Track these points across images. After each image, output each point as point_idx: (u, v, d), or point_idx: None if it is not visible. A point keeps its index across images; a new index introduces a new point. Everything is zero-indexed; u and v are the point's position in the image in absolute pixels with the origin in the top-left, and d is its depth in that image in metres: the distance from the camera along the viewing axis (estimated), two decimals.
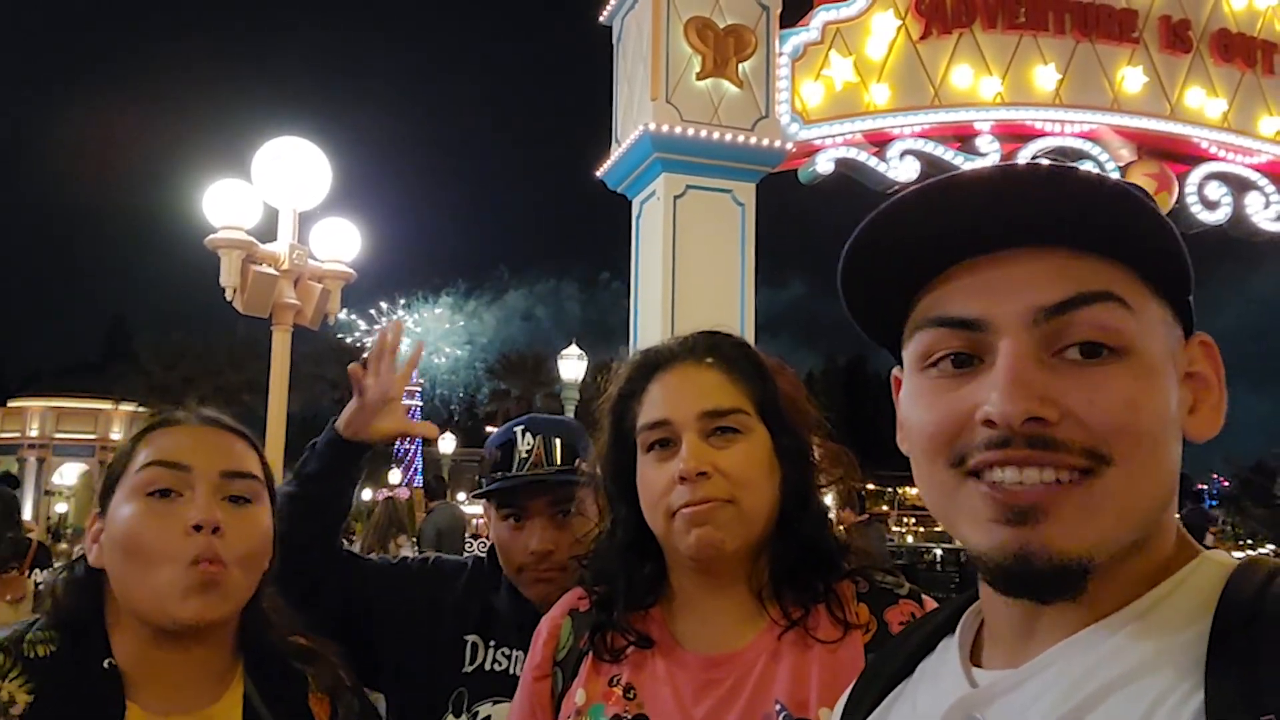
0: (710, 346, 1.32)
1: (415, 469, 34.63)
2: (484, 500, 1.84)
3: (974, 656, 0.75)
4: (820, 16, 7.21)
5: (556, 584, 1.69)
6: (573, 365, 16.03)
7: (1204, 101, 7.98)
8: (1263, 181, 8.10)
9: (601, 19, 7.63)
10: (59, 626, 1.18)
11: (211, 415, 1.27)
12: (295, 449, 2.13)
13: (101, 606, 1.19)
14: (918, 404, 0.71)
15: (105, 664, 1.14)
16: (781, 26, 7.07)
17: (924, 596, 1.27)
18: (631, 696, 1.25)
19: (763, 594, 1.25)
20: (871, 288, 0.74)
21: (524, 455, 1.78)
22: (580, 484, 1.74)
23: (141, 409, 29.22)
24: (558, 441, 1.80)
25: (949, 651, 0.76)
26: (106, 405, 34.16)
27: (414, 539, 8.53)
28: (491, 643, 1.77)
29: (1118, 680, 0.62)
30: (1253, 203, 8.07)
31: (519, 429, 1.84)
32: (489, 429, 22.05)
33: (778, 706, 1.17)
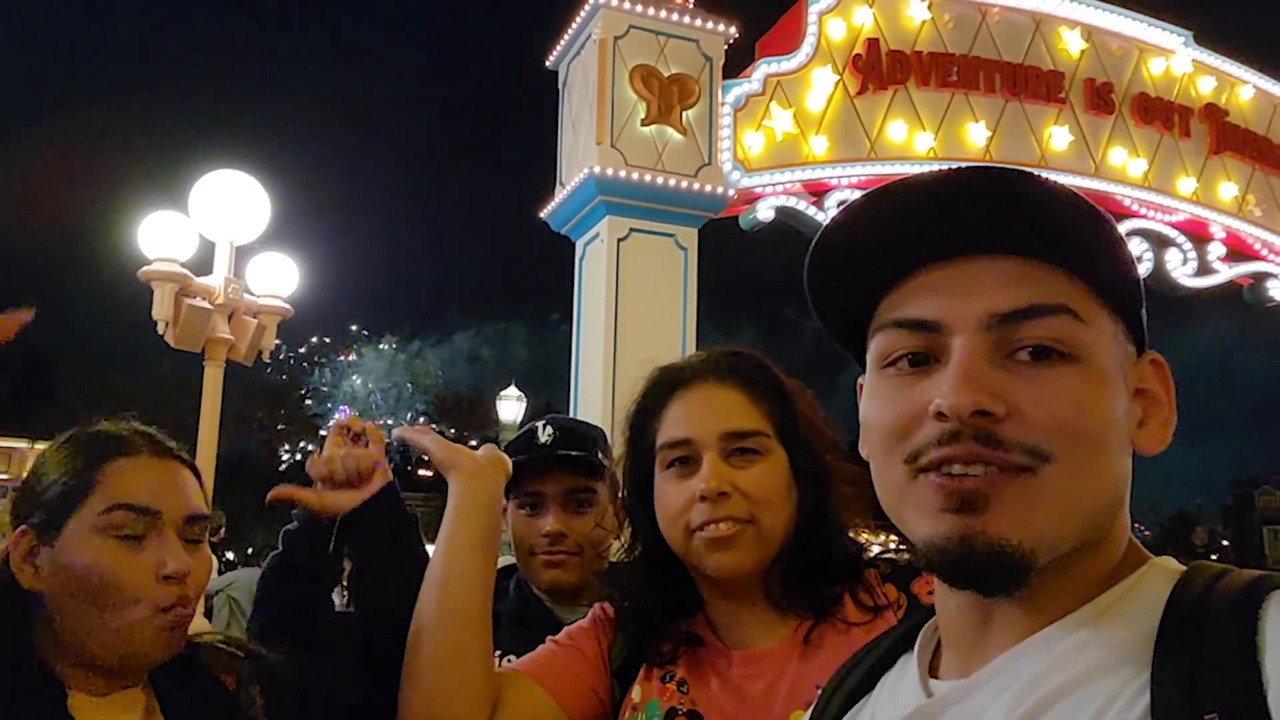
0: (732, 366, 1.33)
1: None
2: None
3: (933, 668, 0.76)
4: (762, 69, 7.40)
5: (567, 568, 1.71)
6: (511, 406, 15.90)
7: (1126, 161, 8.36)
8: (1180, 239, 8.49)
9: (548, 63, 7.73)
10: None
11: (160, 443, 1.25)
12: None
13: (29, 622, 1.15)
14: (876, 401, 0.72)
15: (35, 665, 1.13)
16: (724, 77, 7.23)
17: None
18: (685, 691, 1.27)
19: (780, 603, 1.27)
20: (835, 293, 0.75)
21: (544, 441, 1.80)
22: (599, 474, 1.75)
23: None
24: (576, 433, 1.83)
25: (908, 666, 0.77)
26: (21, 444, 32.82)
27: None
28: (496, 653, 1.74)
29: (1067, 685, 0.62)
30: (1172, 259, 8.45)
31: (539, 424, 1.86)
32: (422, 473, 21.48)
33: (819, 690, 1.17)
